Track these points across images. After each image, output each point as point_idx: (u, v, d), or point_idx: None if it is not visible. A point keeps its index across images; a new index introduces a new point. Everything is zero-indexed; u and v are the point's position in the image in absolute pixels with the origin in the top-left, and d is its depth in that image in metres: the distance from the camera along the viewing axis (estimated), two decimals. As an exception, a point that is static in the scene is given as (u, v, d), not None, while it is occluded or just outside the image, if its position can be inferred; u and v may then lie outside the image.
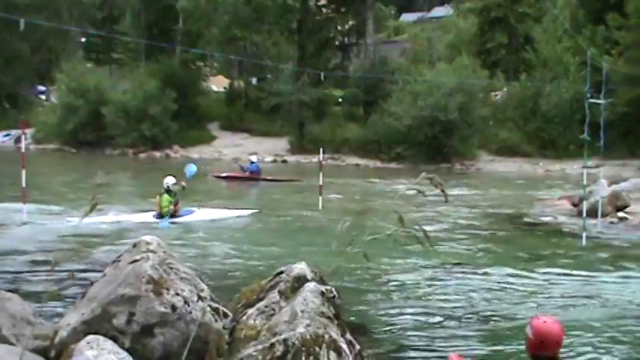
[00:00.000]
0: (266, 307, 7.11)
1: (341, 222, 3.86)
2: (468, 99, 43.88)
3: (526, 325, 5.58)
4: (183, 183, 19.45)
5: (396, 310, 10.92)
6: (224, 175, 31.71)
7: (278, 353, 6.26)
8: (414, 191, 3.76)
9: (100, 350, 6.04)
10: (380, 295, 11.83)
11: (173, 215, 18.76)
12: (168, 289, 6.82)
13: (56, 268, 13.06)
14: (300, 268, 7.64)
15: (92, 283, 7.30)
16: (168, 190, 18.78)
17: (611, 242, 17.68)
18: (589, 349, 9.27)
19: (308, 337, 6.43)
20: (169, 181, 18.92)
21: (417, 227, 3.58)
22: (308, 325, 6.54)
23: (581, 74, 38.31)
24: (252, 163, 31.25)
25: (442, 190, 3.60)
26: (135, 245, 7.35)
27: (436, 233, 18.25)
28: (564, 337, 5.50)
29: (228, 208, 20.51)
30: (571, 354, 8.60)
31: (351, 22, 60.84)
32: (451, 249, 16.31)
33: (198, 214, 19.48)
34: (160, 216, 18.64)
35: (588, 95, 19.03)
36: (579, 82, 38.52)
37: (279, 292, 7.30)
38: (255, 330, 6.82)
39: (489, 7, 55.85)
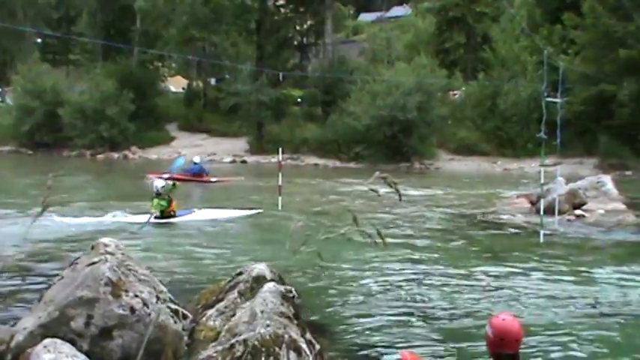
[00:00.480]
0: (225, 307, 7.11)
1: (294, 222, 3.88)
2: (426, 98, 44.12)
3: (484, 323, 5.61)
4: (171, 182, 19.74)
5: (355, 309, 10.94)
6: (166, 176, 31.14)
7: (238, 354, 6.26)
8: (372, 190, 3.79)
9: (57, 354, 5.98)
10: (339, 294, 11.84)
11: (170, 216, 18.97)
12: (126, 291, 6.77)
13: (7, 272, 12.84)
14: (260, 268, 7.65)
15: (49, 286, 7.21)
16: (158, 194, 18.87)
17: (568, 240, 17.89)
18: (548, 346, 9.38)
19: (268, 337, 6.44)
20: (158, 184, 19.05)
21: (371, 226, 3.61)
22: (268, 326, 6.55)
23: (539, 73, 38.78)
24: (195, 164, 30.84)
25: (396, 189, 3.64)
26: (93, 247, 7.29)
27: (395, 232, 18.36)
28: (524, 334, 5.56)
29: (228, 209, 20.44)
30: (531, 351, 8.69)
31: (309, 22, 60.90)
32: (410, 248, 16.36)
33: (197, 215, 19.59)
34: (160, 217, 18.87)
35: (545, 94, 19.20)
36: (536, 81, 39.01)
37: (239, 292, 7.30)
38: (215, 331, 6.81)
39: (447, 6, 56.27)
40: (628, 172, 37.92)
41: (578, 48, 43.71)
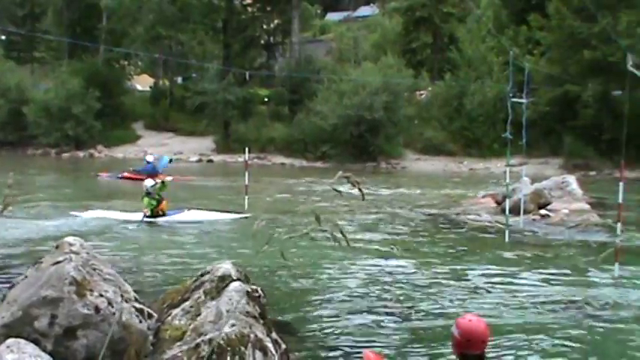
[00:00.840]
0: (191, 307, 7.07)
1: (257, 221, 3.89)
2: (393, 98, 44.26)
3: (450, 323, 5.62)
4: (159, 179, 20.04)
5: (321, 309, 10.97)
6: (119, 175, 30.89)
7: (203, 353, 6.24)
8: (334, 190, 3.80)
9: (20, 354, 5.92)
10: (305, 293, 11.85)
11: (158, 215, 19.12)
12: (91, 291, 6.72)
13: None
14: (225, 267, 7.61)
15: (13, 286, 7.14)
16: (148, 193, 19.04)
17: (533, 239, 18.06)
18: (514, 345, 9.46)
19: (233, 336, 6.43)
20: (147, 183, 19.31)
21: (334, 226, 3.63)
22: (233, 325, 6.54)
23: (505, 74, 39.04)
24: (148, 163, 30.61)
25: (359, 189, 3.66)
26: (57, 246, 7.22)
27: (361, 232, 18.42)
28: (490, 335, 5.59)
29: (218, 211, 20.25)
30: (497, 351, 8.76)
31: (276, 21, 60.87)
32: (376, 248, 16.42)
33: (186, 215, 19.59)
34: (150, 217, 19.06)
35: (511, 95, 19.37)
36: (502, 82, 39.27)
37: (205, 292, 7.27)
38: (181, 330, 6.78)
39: (414, 6, 56.47)
40: (592, 173, 38.37)
41: (544, 49, 44.12)
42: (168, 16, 50.62)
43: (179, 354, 6.36)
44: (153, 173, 29.86)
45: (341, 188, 3.94)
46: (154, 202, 19.03)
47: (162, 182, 19.70)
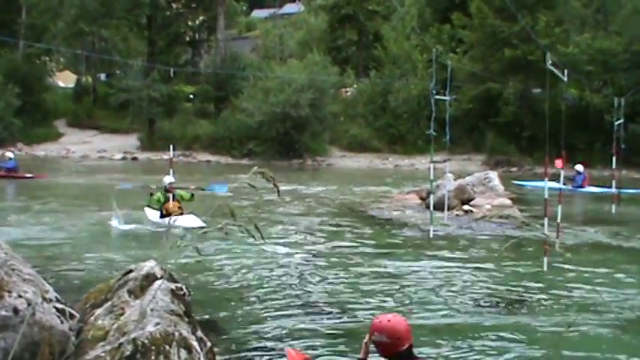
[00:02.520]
0: (114, 306, 6.96)
1: (171, 217, 3.86)
2: (318, 95, 44.41)
3: (372, 318, 5.63)
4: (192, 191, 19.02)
5: (246, 306, 10.94)
6: None
7: (127, 353, 6.14)
8: (249, 185, 3.80)
9: (-64, 358, 5.75)
10: (230, 291, 11.81)
11: (165, 215, 17.72)
12: (9, 292, 6.55)
13: None
14: (150, 266, 7.52)
15: None
16: (166, 190, 18.08)
17: (457, 235, 18.32)
18: (435, 341, 9.58)
19: (158, 335, 6.35)
20: (166, 180, 18.31)
21: (250, 221, 3.62)
22: (158, 324, 6.46)
23: (428, 71, 39.57)
24: (10, 159, 30.13)
25: (274, 185, 3.67)
26: (-26, 248, 7.02)
27: (286, 229, 18.46)
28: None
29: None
30: (421, 347, 8.84)
31: (201, 18, 60.37)
32: (300, 244, 16.46)
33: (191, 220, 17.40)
34: (162, 215, 17.84)
35: (434, 92, 19.64)
36: (426, 79, 39.75)
37: (128, 291, 7.16)
38: (104, 330, 6.67)
39: (339, 4, 56.73)
40: (513, 169, 39.22)
41: (466, 47, 44.91)
42: (91, 11, 49.72)
43: (102, 354, 6.25)
44: (14, 170, 29.38)
45: (254, 184, 3.94)
46: (162, 199, 17.83)
47: (192, 196, 18.50)
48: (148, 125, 48.74)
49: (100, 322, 6.82)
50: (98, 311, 7.05)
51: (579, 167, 28.72)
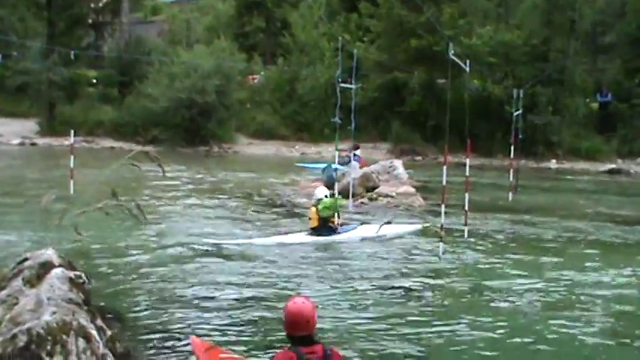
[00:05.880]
0: (8, 296, 6.71)
1: (46, 195, 3.72)
2: (225, 82, 44.00)
3: (275, 306, 5.73)
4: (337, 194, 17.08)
5: (149, 294, 10.81)
6: None
7: (21, 344, 5.93)
8: (132, 165, 3.71)
9: None
10: (132, 279, 11.64)
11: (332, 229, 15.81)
12: None
13: None
14: (47, 254, 7.30)
15: None
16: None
17: (361, 222, 18.47)
18: (337, 324, 9.64)
19: (54, 324, 6.16)
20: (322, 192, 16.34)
21: (131, 202, 3.53)
22: (54, 313, 6.27)
23: (336, 60, 39.74)
24: None
25: (159, 165, 3.59)
26: None
27: (189, 217, 18.30)
28: (316, 315, 5.68)
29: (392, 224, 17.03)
30: (326, 330, 8.88)
31: (105, 0, 58.97)
32: (202, 231, 16.38)
33: (363, 231, 16.18)
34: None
35: (340, 80, 19.73)
36: (334, 67, 39.93)
37: (23, 279, 6.92)
38: (-4, 321, 6.42)
39: (247, -10, 56.34)
40: (418, 157, 39.82)
41: (374, 36, 45.25)
42: (-15, -11, 47.92)
43: (-6, 345, 6.00)
44: None
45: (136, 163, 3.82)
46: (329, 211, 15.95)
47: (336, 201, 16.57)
48: (48, 110, 47.25)
49: (-8, 312, 6.56)
50: (-9, 301, 6.78)
51: (357, 151, 29.94)
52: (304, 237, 15.62)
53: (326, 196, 16.02)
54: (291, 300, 5.73)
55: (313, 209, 15.76)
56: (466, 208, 15.20)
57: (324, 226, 15.63)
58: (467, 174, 15.69)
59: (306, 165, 31.66)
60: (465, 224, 15.42)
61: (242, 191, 23.92)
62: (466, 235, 15.41)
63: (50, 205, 3.51)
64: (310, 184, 24.89)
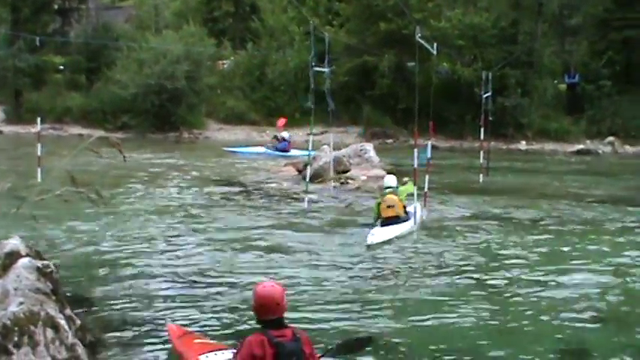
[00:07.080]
0: (-26, 287, 6.61)
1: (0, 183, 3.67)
2: (194, 67, 43.74)
3: (251, 291, 5.74)
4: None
5: (120, 282, 10.73)
6: None
7: (-13, 335, 5.85)
8: (92, 151, 3.66)
9: None
10: (102, 267, 11.53)
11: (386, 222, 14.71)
12: None
13: None
14: (14, 243, 7.20)
15: None
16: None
17: (333, 206, 18.54)
18: (309, 306, 9.67)
19: (22, 315, 6.09)
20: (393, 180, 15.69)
21: (90, 187, 3.50)
22: (21, 303, 6.19)
23: (305, 44, 39.65)
24: None
25: (119, 150, 3.57)
26: None
27: (164, 203, 18.20)
28: (285, 298, 5.69)
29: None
30: (297, 313, 8.88)
31: (71, -15, 58.22)
32: (173, 216, 16.33)
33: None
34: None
35: (312, 64, 19.67)
36: (303, 52, 39.82)
37: (-11, 270, 6.82)
38: (-39, 313, 6.33)
39: (215, -25, 55.87)
40: (389, 141, 39.90)
41: (342, 20, 45.19)
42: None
43: (-41, 338, 5.92)
44: None
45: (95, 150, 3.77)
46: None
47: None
48: (15, 97, 46.72)
49: (-42, 304, 6.47)
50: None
51: (285, 134, 32.65)
52: (407, 226, 14.82)
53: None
54: (260, 284, 5.75)
55: (393, 197, 14.94)
56: (425, 189, 15.35)
57: (406, 212, 15.03)
58: (428, 155, 15.83)
59: (235, 150, 32.19)
60: (424, 205, 15.67)
61: (215, 176, 23.87)
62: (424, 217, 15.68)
63: (5, 192, 3.46)
64: (281, 168, 24.92)
